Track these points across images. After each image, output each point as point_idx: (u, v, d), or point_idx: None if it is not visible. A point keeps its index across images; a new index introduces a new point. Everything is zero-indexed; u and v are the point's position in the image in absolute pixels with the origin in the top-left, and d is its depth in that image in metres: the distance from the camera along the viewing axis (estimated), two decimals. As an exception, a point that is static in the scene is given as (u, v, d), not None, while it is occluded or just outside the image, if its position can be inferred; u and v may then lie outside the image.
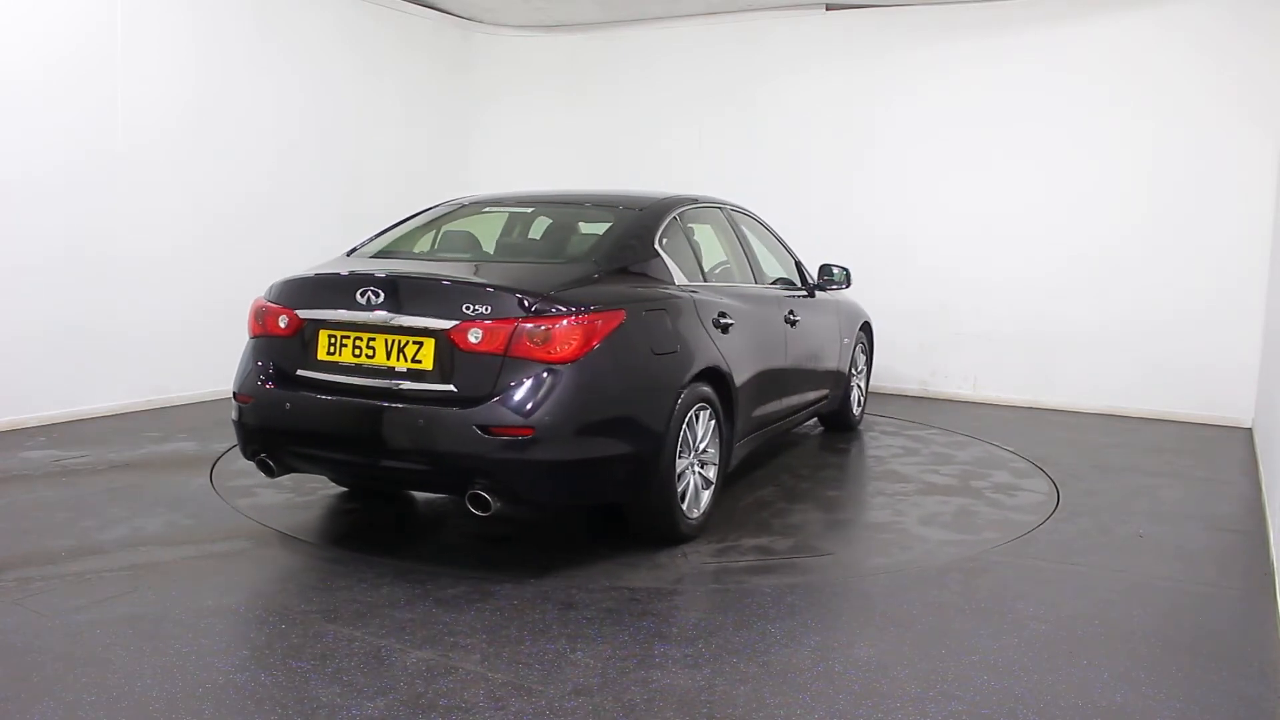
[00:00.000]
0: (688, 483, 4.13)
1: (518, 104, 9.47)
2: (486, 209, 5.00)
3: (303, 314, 3.91)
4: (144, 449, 5.62)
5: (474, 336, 3.58)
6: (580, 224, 4.78)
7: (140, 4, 6.46)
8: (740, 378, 4.52)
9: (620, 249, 4.25)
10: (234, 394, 4.08)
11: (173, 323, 6.76)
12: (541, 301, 3.64)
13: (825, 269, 5.94)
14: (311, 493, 4.81)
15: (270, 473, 4.04)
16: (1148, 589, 3.79)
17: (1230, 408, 7.17)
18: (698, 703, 2.75)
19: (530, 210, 4.97)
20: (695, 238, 4.89)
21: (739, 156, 8.68)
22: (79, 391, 6.34)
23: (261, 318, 4.05)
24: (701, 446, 4.21)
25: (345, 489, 4.83)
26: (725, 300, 4.59)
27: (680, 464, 4.03)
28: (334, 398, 3.79)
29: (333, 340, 3.85)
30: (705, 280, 4.70)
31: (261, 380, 3.97)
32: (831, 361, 6.02)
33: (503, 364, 3.57)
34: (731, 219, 5.36)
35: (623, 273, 4.12)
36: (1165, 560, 4.15)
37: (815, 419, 6.63)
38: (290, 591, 3.52)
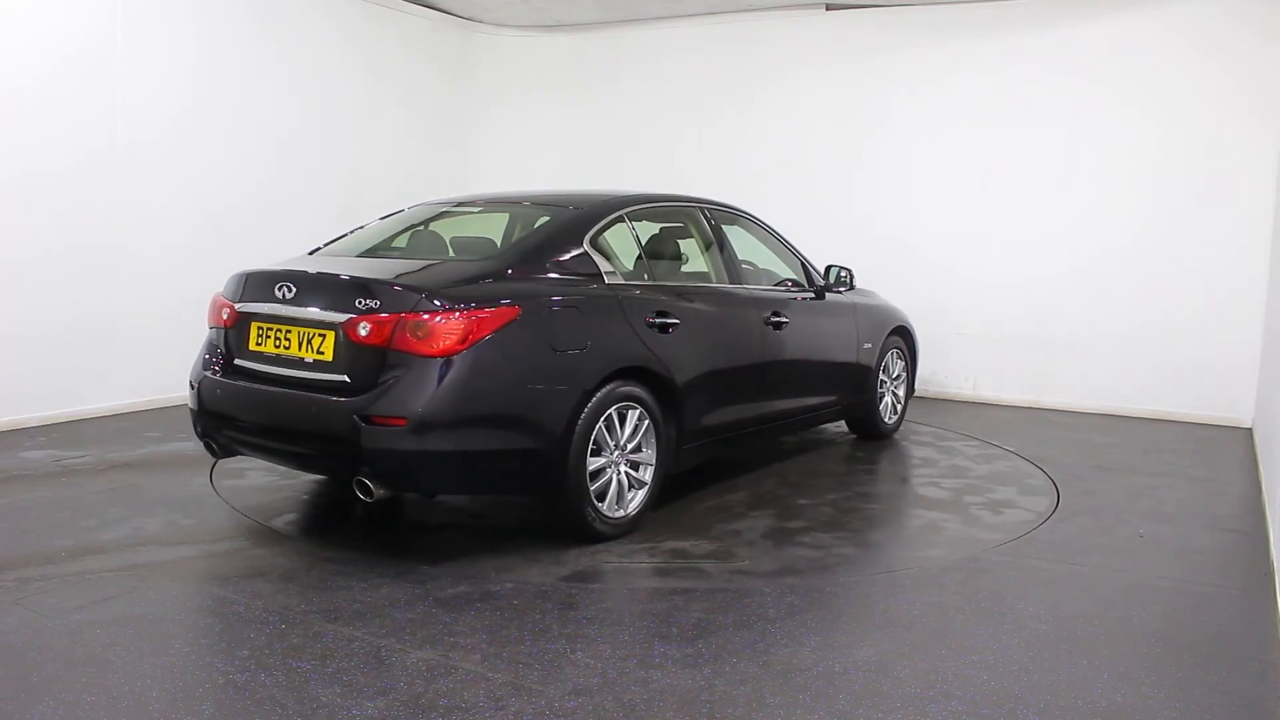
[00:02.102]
0: (609, 481, 4.14)
1: (518, 104, 9.48)
2: (443, 210, 5.07)
3: (239, 307, 4.19)
4: (144, 449, 5.62)
5: (363, 329, 3.74)
6: (519, 223, 4.80)
7: (140, 4, 6.46)
8: (687, 379, 4.49)
9: (540, 247, 4.28)
10: (189, 382, 4.37)
11: (173, 322, 6.76)
12: (423, 297, 3.74)
13: (826, 270, 5.89)
14: (312, 493, 4.81)
15: (214, 454, 4.38)
16: (1148, 589, 3.78)
17: (1230, 408, 7.17)
18: (698, 703, 2.75)
19: (478, 210, 5.04)
20: (648, 236, 4.87)
21: (739, 156, 8.68)
22: (79, 391, 6.34)
23: (214, 310, 4.35)
24: (630, 446, 4.22)
25: (342, 489, 4.84)
26: (668, 299, 4.54)
27: (597, 462, 4.06)
28: (254, 385, 4.05)
29: (260, 332, 4.10)
30: (652, 279, 4.66)
31: (207, 368, 4.28)
32: (844, 366, 5.87)
33: (386, 356, 3.71)
34: (711, 218, 5.28)
35: (541, 269, 4.15)
36: (1165, 560, 4.15)
37: (845, 426, 6.47)
38: (290, 591, 3.52)
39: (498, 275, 4.04)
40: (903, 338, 6.58)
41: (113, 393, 6.54)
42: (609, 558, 3.99)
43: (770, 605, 3.49)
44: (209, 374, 4.24)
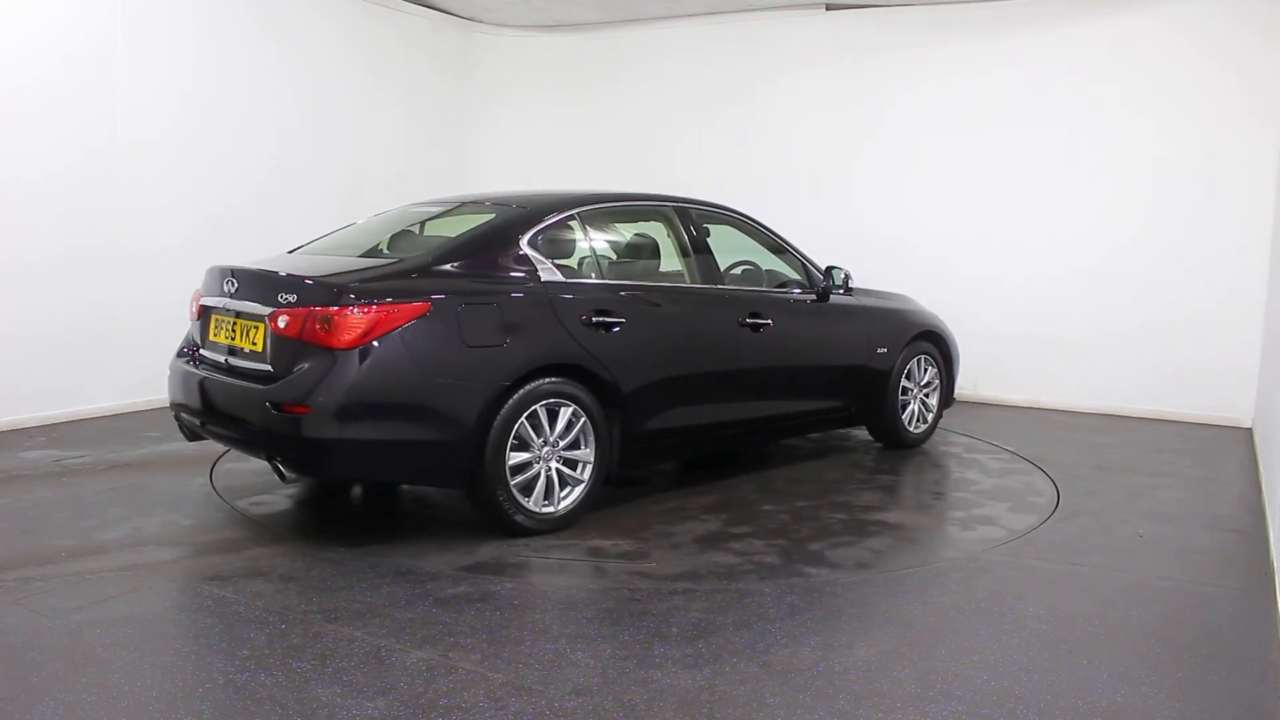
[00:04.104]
0: (536, 477, 4.16)
1: (518, 104, 9.47)
2: (439, 210, 5.07)
3: (202, 300, 4.48)
4: (144, 449, 5.62)
5: (282, 322, 3.92)
6: (470, 222, 4.80)
7: (140, 4, 6.46)
8: (633, 379, 4.46)
9: (469, 245, 4.37)
10: (169, 368, 4.66)
11: (173, 321, 6.72)
12: (330, 291, 3.89)
13: (827, 271, 5.70)
14: (310, 493, 4.81)
15: (186, 437, 4.60)
16: (1148, 589, 3.79)
17: (1230, 408, 7.17)
18: (698, 703, 2.75)
19: (440, 211, 5.04)
20: (600, 236, 4.89)
21: (739, 156, 8.68)
22: (79, 391, 6.34)
23: (191, 303, 4.62)
24: (565, 443, 4.23)
25: (342, 490, 4.84)
26: (612, 299, 4.49)
27: (521, 457, 4.09)
28: (209, 373, 4.29)
29: (216, 323, 4.36)
30: (603, 278, 4.62)
31: (180, 356, 4.61)
32: (848, 370, 5.67)
33: (299, 348, 3.88)
34: (688, 218, 5.13)
35: (467, 267, 4.21)
36: (1165, 560, 4.15)
37: (870, 435, 6.20)
38: (290, 591, 3.52)
39: (414, 272, 4.13)
40: (934, 343, 6.22)
41: (113, 393, 6.54)
42: (524, 552, 4.00)
43: (770, 605, 3.49)
44: (181, 361, 4.55)
